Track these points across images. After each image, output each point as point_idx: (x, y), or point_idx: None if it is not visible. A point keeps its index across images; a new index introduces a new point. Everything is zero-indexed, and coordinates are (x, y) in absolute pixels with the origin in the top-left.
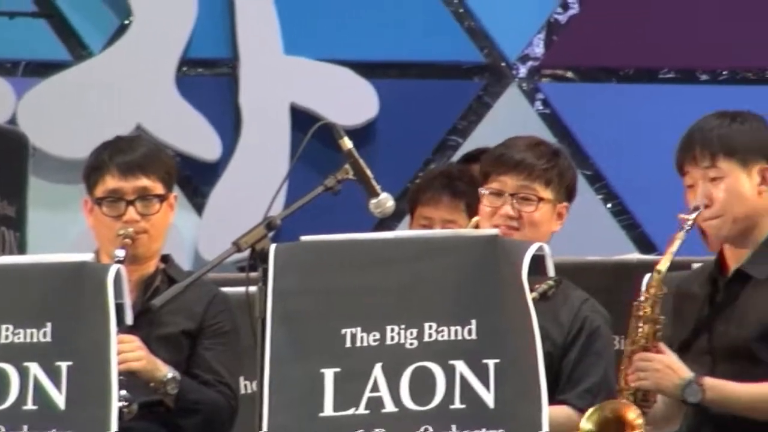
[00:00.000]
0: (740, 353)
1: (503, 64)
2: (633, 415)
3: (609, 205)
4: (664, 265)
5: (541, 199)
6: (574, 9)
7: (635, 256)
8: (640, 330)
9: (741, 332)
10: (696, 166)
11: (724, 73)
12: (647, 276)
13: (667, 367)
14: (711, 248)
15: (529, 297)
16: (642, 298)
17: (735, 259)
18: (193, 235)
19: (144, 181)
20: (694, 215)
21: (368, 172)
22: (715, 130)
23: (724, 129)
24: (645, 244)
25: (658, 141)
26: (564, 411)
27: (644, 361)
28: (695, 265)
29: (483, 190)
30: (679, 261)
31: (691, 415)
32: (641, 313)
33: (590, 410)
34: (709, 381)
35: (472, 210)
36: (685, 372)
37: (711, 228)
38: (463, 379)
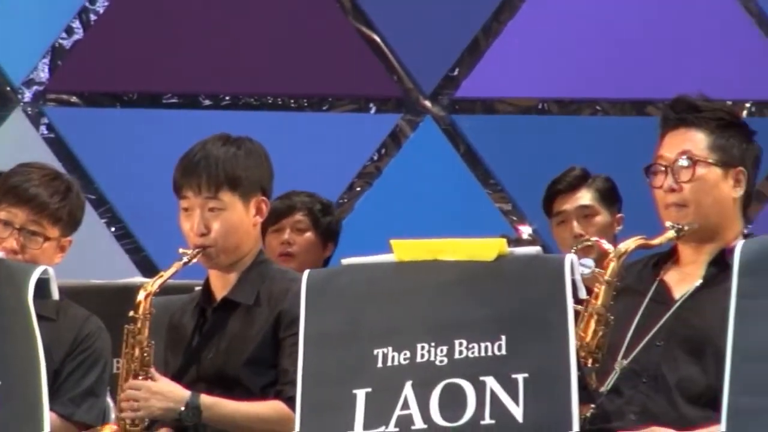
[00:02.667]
0: (230, 380)
1: (8, 88)
2: None
3: (113, 229)
4: (153, 285)
5: (47, 238)
6: (79, 34)
7: (138, 279)
8: (131, 354)
9: (229, 359)
10: (198, 195)
11: (226, 98)
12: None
13: (157, 392)
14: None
15: (35, 320)
16: (131, 316)
17: (222, 287)
18: None
19: None
20: (193, 251)
21: None
22: (221, 162)
23: (230, 161)
24: (148, 268)
25: (162, 165)
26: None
27: (134, 390)
28: (198, 288)
29: None
30: (185, 284)
31: None
32: (132, 334)
33: None
34: (207, 400)
35: None
36: (178, 394)
37: (204, 256)
38: None
